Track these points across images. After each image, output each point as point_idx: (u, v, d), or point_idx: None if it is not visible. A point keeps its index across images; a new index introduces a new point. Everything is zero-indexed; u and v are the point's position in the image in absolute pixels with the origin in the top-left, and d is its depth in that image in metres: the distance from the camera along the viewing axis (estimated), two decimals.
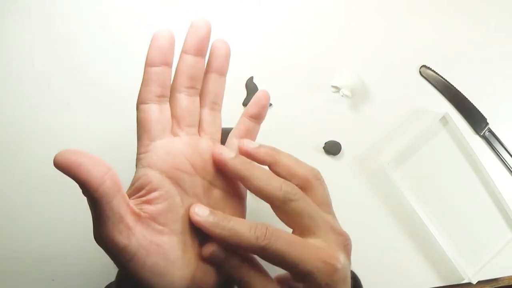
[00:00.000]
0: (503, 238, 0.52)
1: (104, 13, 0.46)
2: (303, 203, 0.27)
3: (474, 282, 0.50)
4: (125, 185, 0.34)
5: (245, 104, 0.48)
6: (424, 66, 0.51)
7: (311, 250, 0.26)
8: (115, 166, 0.46)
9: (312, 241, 0.27)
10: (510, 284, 0.53)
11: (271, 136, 0.48)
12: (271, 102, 0.48)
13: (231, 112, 0.47)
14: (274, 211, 0.28)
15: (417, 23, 0.51)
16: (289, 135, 0.48)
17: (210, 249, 0.27)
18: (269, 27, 0.49)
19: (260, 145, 0.30)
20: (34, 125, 0.45)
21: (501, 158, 0.52)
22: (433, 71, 0.51)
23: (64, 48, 0.46)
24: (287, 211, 0.27)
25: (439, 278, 0.51)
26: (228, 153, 0.29)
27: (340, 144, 0.49)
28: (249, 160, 0.29)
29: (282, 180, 0.28)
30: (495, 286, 0.53)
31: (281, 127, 0.48)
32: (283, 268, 0.26)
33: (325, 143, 0.48)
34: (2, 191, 0.44)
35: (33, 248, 0.44)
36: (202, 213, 0.27)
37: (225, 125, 0.46)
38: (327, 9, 0.50)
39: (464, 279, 0.50)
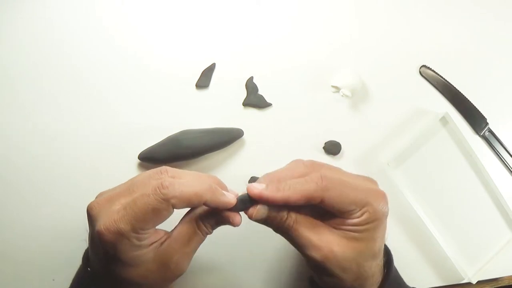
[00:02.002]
0: (503, 238, 0.52)
1: (103, 14, 0.46)
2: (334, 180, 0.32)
3: (474, 282, 0.50)
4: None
5: (245, 104, 0.48)
6: (424, 66, 0.51)
7: (363, 186, 0.34)
8: (114, 166, 0.46)
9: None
10: (510, 284, 0.53)
11: (271, 136, 0.48)
12: (271, 102, 0.48)
13: (231, 112, 0.48)
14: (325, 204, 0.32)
15: (417, 23, 0.51)
16: (289, 135, 0.48)
17: (254, 210, 0.32)
18: (269, 27, 0.49)
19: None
20: (34, 125, 0.45)
21: (501, 158, 0.52)
22: (433, 71, 0.51)
23: (64, 48, 0.46)
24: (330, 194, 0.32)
25: (438, 278, 0.51)
26: (259, 186, 0.33)
27: (340, 144, 0.49)
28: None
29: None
30: (495, 286, 0.53)
31: (281, 127, 0.48)
32: (341, 204, 0.32)
33: (325, 143, 0.48)
34: (1, 191, 0.44)
35: (33, 248, 0.44)
36: (259, 186, 0.32)
37: (225, 125, 0.46)
38: (327, 9, 0.50)
39: (464, 279, 0.50)
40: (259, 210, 0.33)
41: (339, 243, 0.33)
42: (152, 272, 0.32)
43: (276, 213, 0.33)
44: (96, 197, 0.34)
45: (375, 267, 0.35)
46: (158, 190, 0.29)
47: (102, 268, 0.33)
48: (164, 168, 0.32)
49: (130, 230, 0.29)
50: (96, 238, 0.30)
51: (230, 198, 0.32)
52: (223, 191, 0.32)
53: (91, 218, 0.32)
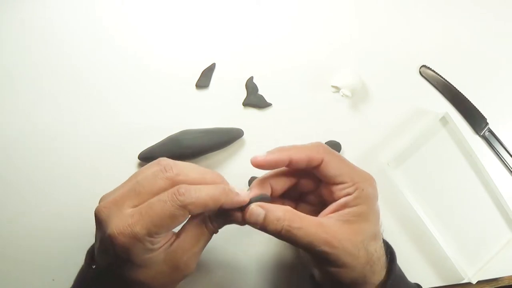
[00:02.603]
0: (503, 238, 0.52)
1: (103, 14, 0.46)
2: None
3: (474, 282, 0.50)
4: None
5: (245, 104, 0.48)
6: (424, 66, 0.51)
7: (356, 168, 0.36)
8: (114, 166, 0.46)
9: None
10: (510, 284, 0.53)
11: (271, 136, 0.48)
12: (271, 102, 0.48)
13: (231, 112, 0.48)
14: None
15: (417, 23, 0.51)
16: (289, 135, 0.48)
17: (249, 209, 0.33)
18: (269, 27, 0.49)
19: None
20: (34, 125, 0.45)
21: (501, 158, 0.52)
22: (433, 71, 0.51)
23: (64, 48, 0.46)
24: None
25: (438, 278, 0.51)
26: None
27: (340, 144, 0.49)
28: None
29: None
30: (495, 286, 0.53)
31: (281, 127, 0.48)
32: (337, 171, 0.35)
33: (325, 143, 0.48)
34: (1, 191, 0.44)
35: (33, 248, 0.44)
36: (261, 155, 0.34)
37: (225, 125, 0.46)
38: (327, 9, 0.50)
39: (464, 279, 0.50)
40: (253, 210, 0.33)
41: (343, 230, 0.33)
42: (162, 273, 0.32)
43: (273, 213, 0.33)
44: (100, 201, 0.34)
45: (380, 249, 0.36)
46: (175, 197, 0.30)
47: (111, 272, 0.33)
48: (165, 162, 0.32)
49: (146, 235, 0.30)
50: (107, 241, 0.30)
51: (244, 196, 0.33)
52: (236, 191, 0.33)
53: (100, 222, 0.31)
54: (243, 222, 0.34)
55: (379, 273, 0.36)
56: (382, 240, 0.37)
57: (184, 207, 0.30)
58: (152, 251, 0.31)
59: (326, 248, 0.33)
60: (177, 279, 0.34)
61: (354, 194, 0.34)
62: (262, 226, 0.33)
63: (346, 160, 0.36)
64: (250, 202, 0.33)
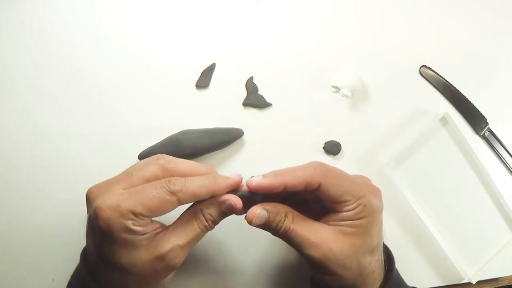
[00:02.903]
0: (503, 238, 0.52)
1: (103, 14, 0.46)
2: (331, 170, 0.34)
3: (474, 282, 0.50)
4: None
5: (245, 104, 0.48)
6: (424, 66, 0.51)
7: (359, 181, 0.35)
8: (114, 166, 0.46)
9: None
10: (510, 284, 0.53)
11: (271, 136, 0.48)
12: (271, 102, 0.48)
13: (231, 112, 0.48)
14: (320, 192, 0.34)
15: (417, 23, 0.51)
16: (289, 135, 0.48)
17: (255, 211, 0.33)
18: (269, 27, 0.49)
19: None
20: (34, 125, 0.45)
21: (501, 158, 0.52)
22: (433, 71, 0.51)
23: (64, 48, 0.46)
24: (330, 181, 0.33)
25: (438, 278, 0.51)
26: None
27: (340, 144, 0.49)
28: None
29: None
30: (495, 286, 0.53)
31: (281, 127, 0.48)
32: (338, 191, 0.33)
33: (325, 143, 0.48)
34: (1, 191, 0.44)
35: (33, 248, 0.44)
36: (256, 178, 0.33)
37: (225, 125, 0.46)
38: (327, 9, 0.50)
39: (464, 279, 0.50)
40: (259, 214, 0.33)
41: (337, 240, 0.33)
42: (143, 260, 0.32)
43: (275, 215, 0.33)
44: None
45: (375, 263, 0.35)
46: (166, 184, 0.31)
47: (95, 252, 0.33)
48: (160, 154, 0.34)
49: (130, 211, 0.30)
50: (93, 216, 0.31)
51: (234, 176, 0.34)
52: (226, 175, 0.33)
53: (90, 200, 0.32)
54: (238, 207, 0.33)
55: (372, 285, 0.36)
56: (380, 253, 0.37)
57: (173, 193, 0.31)
58: (134, 232, 0.31)
59: (315, 254, 0.33)
60: (160, 271, 0.33)
61: (356, 210, 0.33)
62: (263, 226, 0.34)
63: (346, 176, 0.35)
64: (245, 196, 0.34)
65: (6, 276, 0.44)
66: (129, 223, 0.30)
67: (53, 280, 0.45)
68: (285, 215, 0.34)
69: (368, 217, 0.33)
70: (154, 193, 0.30)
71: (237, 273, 0.47)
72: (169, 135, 0.45)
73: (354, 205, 0.33)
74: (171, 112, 0.47)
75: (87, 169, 0.45)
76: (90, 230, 0.33)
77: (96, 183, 0.34)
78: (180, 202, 0.31)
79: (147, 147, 0.45)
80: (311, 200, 0.38)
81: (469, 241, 0.51)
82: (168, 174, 0.32)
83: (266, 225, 0.34)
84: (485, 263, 0.51)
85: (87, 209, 0.33)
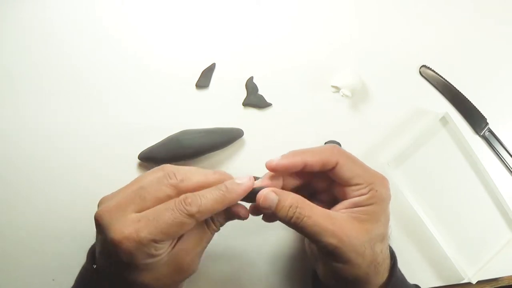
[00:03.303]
0: (503, 238, 0.52)
1: (103, 14, 0.46)
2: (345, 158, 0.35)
3: (474, 282, 0.50)
4: (125, 183, 0.34)
5: (245, 104, 0.48)
6: (424, 66, 0.51)
7: (370, 169, 0.36)
8: (114, 166, 0.46)
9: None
10: (510, 284, 0.53)
11: (271, 136, 0.48)
12: (271, 102, 0.48)
13: (231, 112, 0.48)
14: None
15: (417, 23, 0.51)
16: (289, 135, 0.48)
17: (263, 193, 0.33)
18: (269, 27, 0.49)
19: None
20: (34, 125, 0.45)
21: (501, 158, 0.52)
22: (433, 71, 0.51)
23: (64, 48, 0.46)
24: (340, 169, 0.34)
25: (438, 278, 0.51)
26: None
27: (340, 144, 0.49)
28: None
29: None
30: (495, 286, 0.53)
31: (281, 127, 0.48)
32: (352, 173, 0.34)
33: (325, 143, 0.48)
34: (1, 191, 0.44)
35: (33, 248, 0.44)
36: (276, 159, 0.34)
37: (225, 125, 0.46)
38: (327, 9, 0.50)
39: (464, 279, 0.50)
40: (268, 195, 0.33)
41: (352, 227, 0.33)
42: (165, 275, 0.32)
43: (284, 201, 0.33)
44: (99, 205, 0.34)
45: (386, 251, 0.36)
46: (182, 206, 0.30)
47: (113, 274, 0.33)
48: (169, 169, 0.33)
49: (151, 241, 0.30)
50: (110, 246, 0.30)
51: (246, 181, 0.33)
52: (237, 181, 0.33)
53: (102, 226, 0.31)
54: (244, 216, 0.34)
55: (382, 275, 0.36)
56: (388, 242, 0.37)
57: (191, 215, 0.30)
58: (156, 256, 0.31)
59: (332, 241, 0.32)
60: (180, 279, 0.34)
61: (367, 195, 0.34)
62: (274, 212, 0.33)
63: (360, 161, 0.36)
64: (254, 190, 0.33)
65: (6, 276, 0.44)
66: (152, 251, 0.30)
67: (53, 280, 0.45)
68: (297, 203, 0.33)
69: (378, 204, 0.34)
70: (172, 218, 0.30)
71: (242, 267, 0.47)
72: (169, 135, 0.45)
73: (366, 189, 0.34)
74: (171, 112, 0.47)
75: (87, 169, 0.45)
76: (107, 256, 0.33)
77: (103, 203, 0.33)
78: (198, 221, 0.31)
79: (147, 147, 0.45)
80: (320, 191, 0.38)
81: (469, 241, 0.51)
82: (182, 193, 0.32)
83: (276, 211, 0.33)
84: (485, 263, 0.51)
85: (98, 232, 0.33)
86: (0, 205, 0.44)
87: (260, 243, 0.47)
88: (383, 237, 0.35)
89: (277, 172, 0.35)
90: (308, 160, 0.33)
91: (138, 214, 0.31)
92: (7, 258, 0.44)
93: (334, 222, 0.33)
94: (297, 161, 0.33)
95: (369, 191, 0.34)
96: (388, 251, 0.37)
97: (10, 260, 0.44)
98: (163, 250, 0.32)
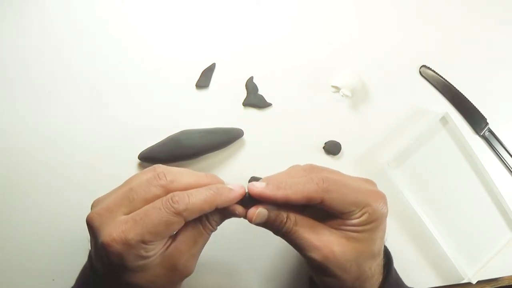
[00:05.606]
0: (503, 238, 0.52)
1: (103, 14, 0.46)
2: (336, 183, 0.33)
3: (474, 282, 0.50)
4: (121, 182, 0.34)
5: (245, 104, 0.48)
6: (424, 66, 0.51)
7: (363, 188, 0.34)
8: (114, 166, 0.46)
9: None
10: (510, 284, 0.53)
11: (271, 136, 0.48)
12: (271, 102, 0.48)
13: (231, 112, 0.48)
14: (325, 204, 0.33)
15: (417, 23, 0.51)
16: (289, 135, 0.48)
17: (254, 214, 0.33)
18: (269, 27, 0.49)
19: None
20: (34, 126, 0.45)
21: (501, 158, 0.52)
22: (433, 71, 0.51)
23: (64, 48, 0.46)
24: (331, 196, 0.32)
25: (438, 278, 0.51)
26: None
27: (340, 144, 0.49)
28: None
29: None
30: (495, 286, 0.53)
31: (281, 127, 0.48)
32: (341, 205, 0.32)
33: (325, 143, 0.48)
34: (1, 191, 0.44)
35: (33, 248, 0.44)
36: (259, 185, 0.33)
37: (225, 125, 0.46)
38: (327, 9, 0.50)
39: (464, 279, 0.50)
40: (260, 213, 0.33)
41: (339, 244, 0.33)
42: (159, 276, 0.32)
43: (276, 215, 0.33)
44: (92, 207, 0.34)
45: (375, 268, 0.35)
46: (169, 204, 0.30)
47: (108, 275, 0.33)
48: (159, 169, 0.32)
49: (139, 241, 0.29)
50: (101, 249, 0.30)
51: (237, 189, 0.33)
52: (229, 186, 0.32)
53: (93, 229, 0.31)
54: (241, 214, 0.34)
55: (372, 286, 0.36)
56: (381, 258, 0.36)
57: (179, 214, 0.30)
58: (147, 257, 0.31)
59: (316, 256, 0.33)
60: (177, 280, 0.34)
61: (361, 218, 0.33)
62: (265, 225, 0.34)
63: (350, 184, 0.34)
64: (245, 195, 0.33)
65: (7, 276, 0.44)
66: (141, 252, 0.30)
67: (53, 280, 0.45)
68: (287, 216, 0.33)
69: (372, 223, 0.33)
70: (159, 217, 0.29)
71: (237, 273, 0.47)
72: (169, 135, 0.45)
73: (359, 214, 0.33)
74: (171, 112, 0.47)
75: (87, 169, 0.45)
76: (99, 260, 0.32)
77: (95, 206, 0.33)
78: (186, 220, 0.31)
79: (147, 147, 0.45)
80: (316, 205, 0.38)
81: (469, 241, 0.51)
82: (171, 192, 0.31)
83: (267, 224, 0.34)
84: (485, 263, 0.51)
85: (91, 235, 0.33)
86: (0, 205, 0.44)
87: (257, 248, 0.47)
88: (374, 255, 0.35)
89: (258, 198, 0.34)
90: (291, 198, 0.32)
91: (126, 216, 0.30)
92: (7, 258, 0.44)
93: (321, 238, 0.33)
94: (279, 196, 0.32)
95: (362, 215, 0.33)
96: (381, 264, 0.37)
97: (10, 260, 0.44)
98: (154, 252, 0.31)
